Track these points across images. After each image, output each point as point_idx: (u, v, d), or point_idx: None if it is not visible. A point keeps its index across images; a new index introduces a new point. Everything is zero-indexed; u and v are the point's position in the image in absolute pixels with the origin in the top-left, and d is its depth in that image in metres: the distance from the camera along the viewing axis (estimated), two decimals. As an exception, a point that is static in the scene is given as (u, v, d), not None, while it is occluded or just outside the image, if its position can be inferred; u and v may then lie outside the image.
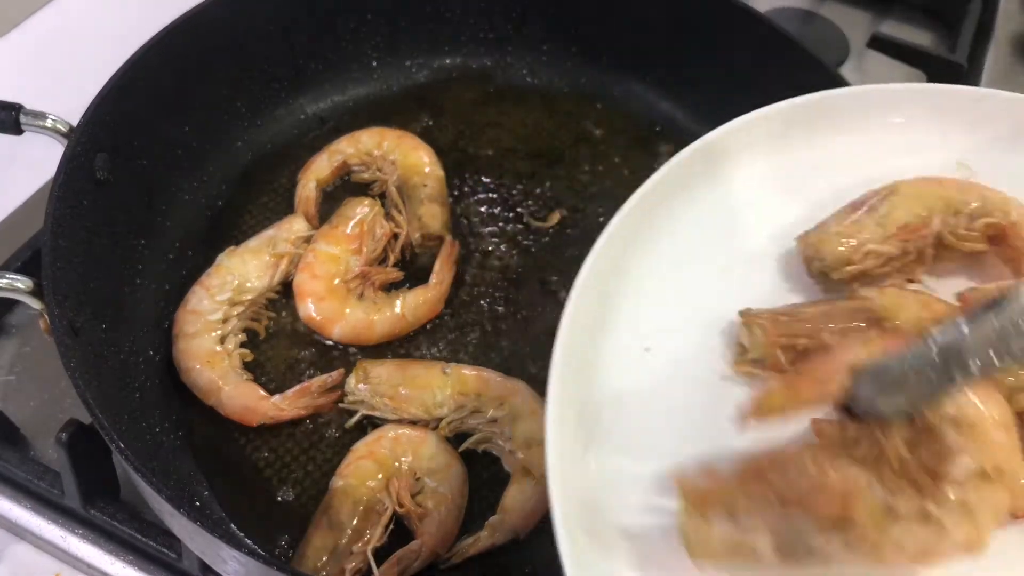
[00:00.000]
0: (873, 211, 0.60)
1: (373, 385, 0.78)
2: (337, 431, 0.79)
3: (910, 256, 0.60)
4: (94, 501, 0.75)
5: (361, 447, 0.76)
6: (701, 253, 0.62)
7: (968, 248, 0.60)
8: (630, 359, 0.57)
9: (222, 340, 0.81)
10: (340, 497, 0.72)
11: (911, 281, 0.60)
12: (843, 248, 0.59)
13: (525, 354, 0.85)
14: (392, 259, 0.89)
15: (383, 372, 0.79)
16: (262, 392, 0.79)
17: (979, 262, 0.61)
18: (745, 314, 0.58)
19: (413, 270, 0.90)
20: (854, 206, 0.62)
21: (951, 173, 0.63)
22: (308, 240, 0.88)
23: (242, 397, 0.79)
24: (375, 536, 0.70)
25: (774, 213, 0.63)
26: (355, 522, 0.71)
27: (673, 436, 0.54)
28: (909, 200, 0.61)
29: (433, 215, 0.90)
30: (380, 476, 0.73)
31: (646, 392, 0.56)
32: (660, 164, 0.63)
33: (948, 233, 0.60)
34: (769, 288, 0.61)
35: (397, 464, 0.74)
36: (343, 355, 0.84)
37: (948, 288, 0.60)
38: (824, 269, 0.59)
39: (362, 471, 0.73)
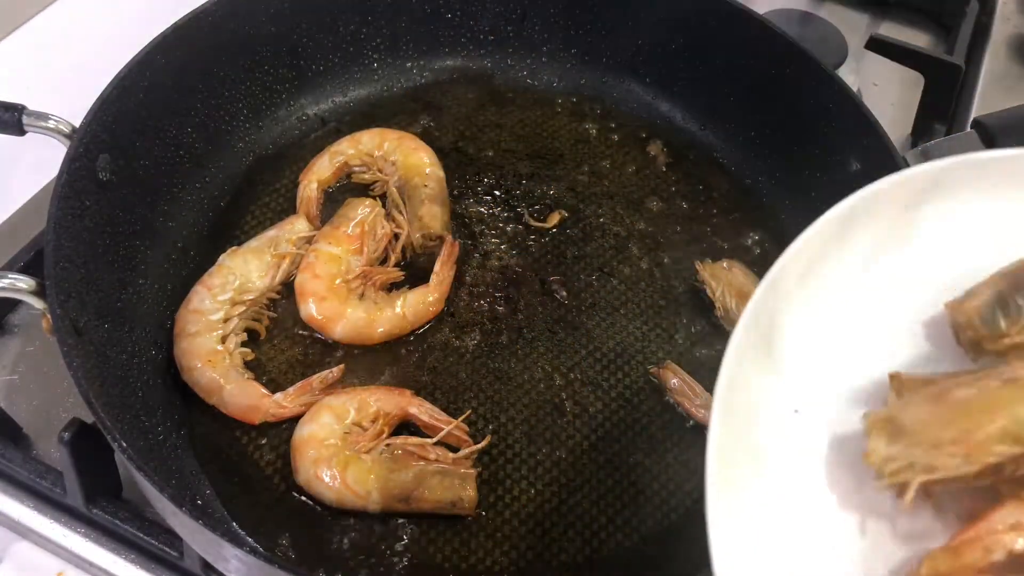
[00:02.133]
0: None
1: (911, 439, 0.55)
2: (338, 430, 0.80)
3: None
4: (96, 500, 0.75)
5: None
6: (854, 312, 0.60)
7: None
8: (781, 418, 0.56)
9: (223, 340, 0.82)
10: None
11: None
12: (994, 319, 0.57)
13: (526, 353, 0.85)
14: (393, 259, 0.89)
15: (921, 414, 0.55)
16: (263, 390, 0.80)
17: None
18: (895, 378, 0.56)
19: (413, 270, 0.90)
20: (1005, 274, 0.60)
21: None
22: (309, 240, 0.89)
23: (243, 395, 0.79)
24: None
25: (927, 274, 0.62)
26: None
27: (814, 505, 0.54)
28: None
29: (434, 215, 0.90)
30: None
31: (795, 454, 0.55)
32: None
33: None
34: (917, 353, 0.60)
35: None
36: (344, 355, 0.84)
37: None
38: (977, 339, 0.58)
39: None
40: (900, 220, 0.62)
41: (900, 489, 0.50)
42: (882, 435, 0.51)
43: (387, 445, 0.76)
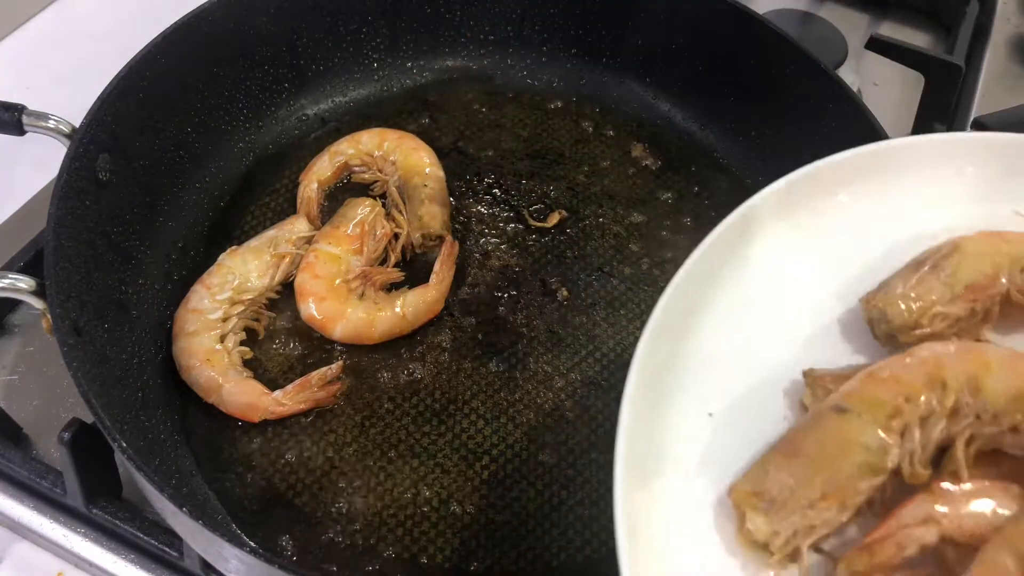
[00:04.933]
0: (938, 270, 0.59)
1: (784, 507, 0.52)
2: (336, 426, 0.80)
3: (977, 316, 0.58)
4: (96, 500, 0.75)
5: None
6: (762, 313, 0.61)
7: None
8: (695, 423, 0.56)
9: (222, 339, 0.82)
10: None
11: (977, 340, 0.58)
12: (910, 311, 0.57)
13: (526, 353, 0.85)
14: (392, 259, 0.89)
15: (784, 479, 0.53)
16: (262, 388, 0.80)
17: None
18: (809, 375, 0.57)
19: (413, 270, 0.90)
20: (917, 264, 0.60)
21: (1009, 224, 0.62)
22: (309, 240, 0.89)
23: (243, 394, 0.79)
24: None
25: (834, 270, 0.62)
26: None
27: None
28: (974, 258, 0.59)
29: (433, 215, 0.90)
30: None
31: (710, 457, 0.55)
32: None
33: (1016, 291, 0.58)
34: (832, 348, 0.60)
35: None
36: (343, 354, 0.84)
37: (1013, 344, 0.58)
38: (891, 332, 0.58)
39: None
40: (800, 220, 0.63)
41: (792, 556, 0.50)
42: (757, 512, 0.50)
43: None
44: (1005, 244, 0.59)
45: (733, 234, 0.61)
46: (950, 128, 1.07)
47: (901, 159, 0.64)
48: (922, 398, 0.52)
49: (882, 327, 0.58)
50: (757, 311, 0.61)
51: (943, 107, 1.06)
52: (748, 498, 0.51)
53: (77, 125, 0.80)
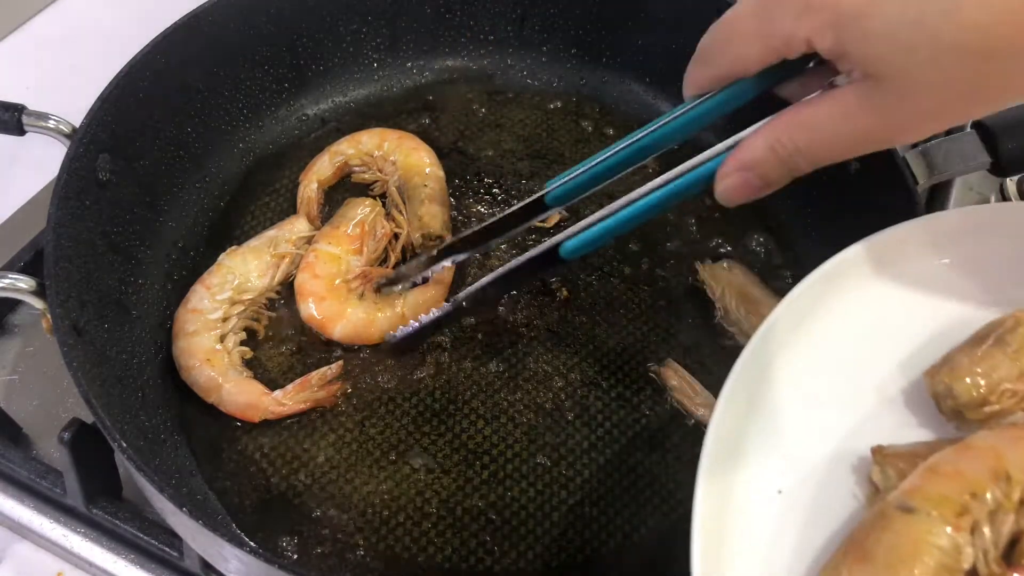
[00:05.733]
0: (1003, 344, 0.58)
1: None
2: (336, 426, 0.80)
3: None
4: (96, 500, 0.75)
5: None
6: (829, 386, 0.60)
7: None
8: (764, 502, 0.56)
9: (221, 339, 0.82)
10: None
11: None
12: (977, 387, 0.56)
13: (526, 353, 0.85)
14: (393, 259, 0.89)
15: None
16: (262, 388, 0.80)
17: None
18: (877, 452, 0.56)
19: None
20: (979, 339, 0.59)
21: None
22: (309, 241, 0.89)
23: (242, 393, 0.79)
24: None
25: (900, 341, 0.62)
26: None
27: None
28: None
29: (433, 215, 0.90)
30: None
31: (781, 536, 0.55)
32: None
33: None
34: (898, 422, 0.59)
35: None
36: (343, 354, 0.84)
37: None
38: (958, 408, 0.57)
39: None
40: (869, 285, 0.63)
41: None
42: None
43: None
44: None
45: (808, 299, 0.60)
46: (950, 128, 1.07)
47: (971, 226, 0.64)
48: (988, 493, 0.50)
49: (948, 403, 0.57)
50: (826, 384, 0.60)
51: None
52: None
53: (77, 125, 0.80)
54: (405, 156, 0.95)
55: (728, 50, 0.59)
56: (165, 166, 0.90)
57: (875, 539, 0.51)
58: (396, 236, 0.90)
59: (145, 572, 0.75)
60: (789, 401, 0.59)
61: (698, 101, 0.62)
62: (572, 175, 0.68)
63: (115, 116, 0.82)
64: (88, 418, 0.68)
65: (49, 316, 0.70)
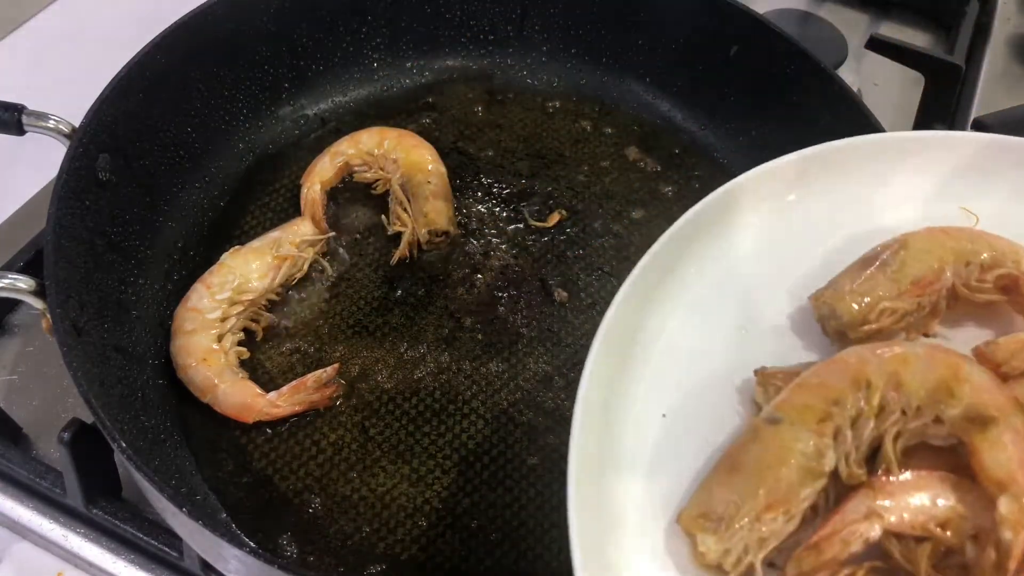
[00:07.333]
0: (885, 266, 0.59)
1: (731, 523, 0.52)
2: (336, 426, 0.80)
3: (924, 310, 0.59)
4: (96, 500, 0.75)
5: None
6: (716, 311, 0.61)
7: (981, 299, 0.59)
8: (647, 424, 0.56)
9: (219, 339, 0.82)
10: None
11: (926, 335, 0.59)
12: (858, 307, 0.58)
13: (526, 353, 0.85)
14: (397, 255, 0.90)
15: (727, 495, 0.53)
16: (257, 389, 0.80)
17: (992, 311, 0.60)
18: (760, 373, 0.57)
19: (421, 265, 0.91)
20: (865, 261, 0.61)
21: (955, 221, 0.62)
22: (313, 244, 0.89)
23: (237, 394, 0.79)
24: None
25: (788, 267, 0.63)
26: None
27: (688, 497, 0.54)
28: (920, 253, 0.59)
29: (438, 211, 0.91)
30: None
31: (664, 458, 0.55)
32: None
33: (961, 285, 0.59)
34: (785, 345, 0.60)
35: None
36: (341, 355, 0.84)
37: (961, 337, 0.59)
38: (840, 328, 0.58)
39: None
40: (761, 216, 0.64)
41: (747, 573, 0.50)
42: (706, 532, 0.50)
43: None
44: (950, 239, 0.60)
45: (692, 229, 0.61)
46: (950, 128, 1.07)
47: (866, 155, 0.65)
48: (849, 400, 0.52)
49: (831, 324, 0.59)
50: (713, 308, 0.61)
51: (943, 107, 1.06)
52: (696, 521, 0.51)
53: (77, 125, 0.80)
54: (406, 154, 0.95)
55: None
56: (165, 166, 0.90)
57: (744, 451, 0.53)
58: (400, 234, 0.91)
59: (145, 572, 0.75)
60: (676, 329, 0.60)
61: None
62: None
63: (115, 116, 0.82)
64: (88, 418, 0.68)
65: (49, 316, 0.70)
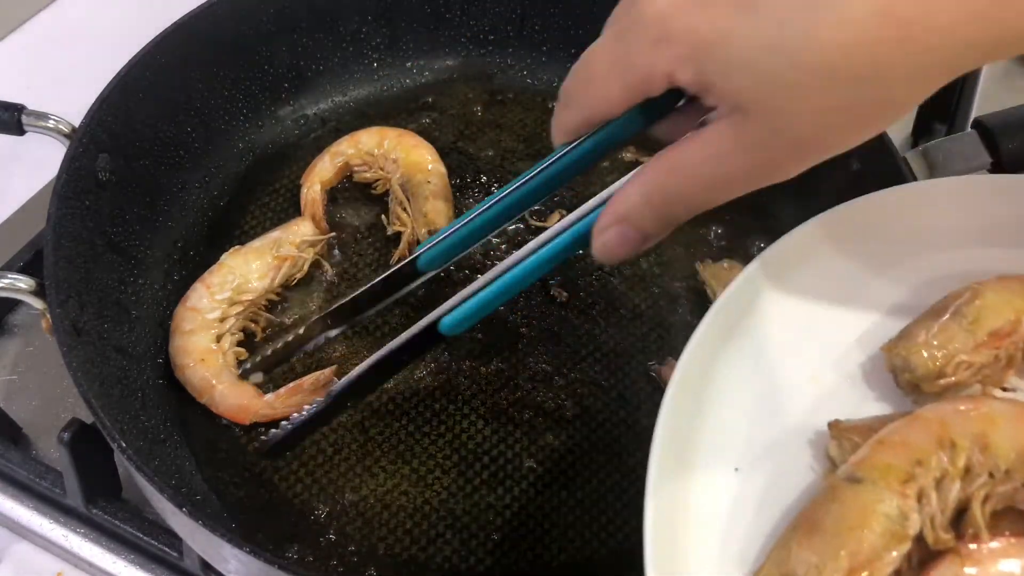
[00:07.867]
0: (960, 317, 0.58)
1: None
2: (336, 426, 0.80)
3: (1001, 362, 0.57)
4: (96, 500, 0.75)
5: None
6: (786, 363, 0.60)
7: None
8: (721, 480, 0.55)
9: (218, 339, 0.82)
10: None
11: (1004, 389, 0.58)
12: (933, 359, 0.56)
13: (526, 353, 0.85)
14: (397, 255, 0.90)
15: (808, 558, 0.52)
16: (255, 391, 0.79)
17: None
18: (834, 426, 0.56)
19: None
20: (936, 311, 0.59)
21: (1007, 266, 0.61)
22: (313, 244, 0.89)
23: (235, 396, 0.79)
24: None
25: (856, 317, 0.62)
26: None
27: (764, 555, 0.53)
28: (995, 304, 0.58)
29: (438, 211, 0.90)
30: None
31: (737, 514, 0.54)
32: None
33: None
34: (857, 396, 0.59)
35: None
36: (340, 356, 0.84)
37: None
38: (915, 381, 0.57)
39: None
40: (820, 266, 0.63)
41: None
42: None
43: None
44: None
45: (753, 285, 0.60)
46: (950, 128, 1.07)
47: (920, 200, 0.64)
48: (933, 460, 0.50)
49: (905, 376, 0.57)
50: (780, 361, 0.60)
51: (943, 107, 1.06)
52: None
53: (77, 125, 0.80)
54: (406, 153, 0.95)
55: (589, 91, 0.52)
56: (165, 166, 0.90)
57: (824, 511, 0.51)
58: (400, 234, 0.91)
59: (145, 572, 0.75)
60: (744, 384, 0.59)
61: (569, 148, 0.57)
62: (442, 237, 0.64)
63: (115, 116, 0.82)
64: (88, 418, 0.68)
65: (49, 316, 0.70)
